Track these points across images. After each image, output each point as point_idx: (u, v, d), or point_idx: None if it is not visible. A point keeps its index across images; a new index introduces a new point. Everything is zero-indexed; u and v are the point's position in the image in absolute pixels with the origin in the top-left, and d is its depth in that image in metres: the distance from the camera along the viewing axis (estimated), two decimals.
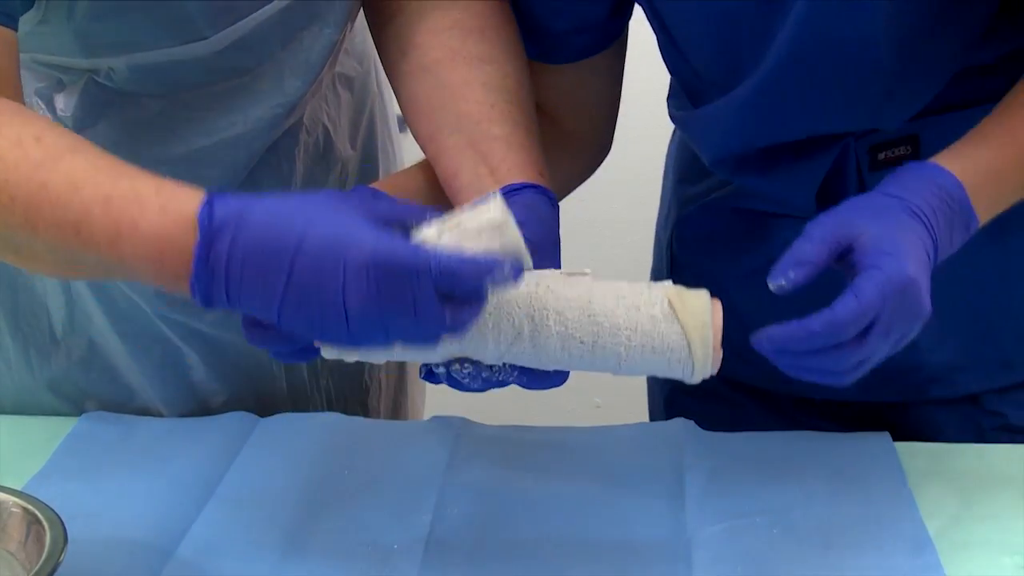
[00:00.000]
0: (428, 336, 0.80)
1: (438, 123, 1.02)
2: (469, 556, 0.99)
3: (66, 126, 1.06)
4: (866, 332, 0.87)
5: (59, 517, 0.90)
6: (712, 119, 1.10)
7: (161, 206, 0.81)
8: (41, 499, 0.92)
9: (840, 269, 0.91)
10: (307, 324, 0.79)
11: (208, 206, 0.79)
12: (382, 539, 1.01)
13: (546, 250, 0.92)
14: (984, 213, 0.96)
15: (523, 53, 1.09)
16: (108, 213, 0.82)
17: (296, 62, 1.08)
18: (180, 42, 1.00)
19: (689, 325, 0.85)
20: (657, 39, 1.13)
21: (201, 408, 1.21)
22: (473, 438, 1.15)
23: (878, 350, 0.88)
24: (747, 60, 1.04)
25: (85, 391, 1.21)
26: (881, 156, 1.10)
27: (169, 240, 0.80)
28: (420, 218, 0.83)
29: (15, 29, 0.94)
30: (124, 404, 1.21)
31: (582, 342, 0.86)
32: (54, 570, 0.85)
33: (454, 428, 1.16)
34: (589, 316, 0.86)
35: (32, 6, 0.96)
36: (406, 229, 0.83)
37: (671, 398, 1.31)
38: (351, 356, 0.86)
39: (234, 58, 1.04)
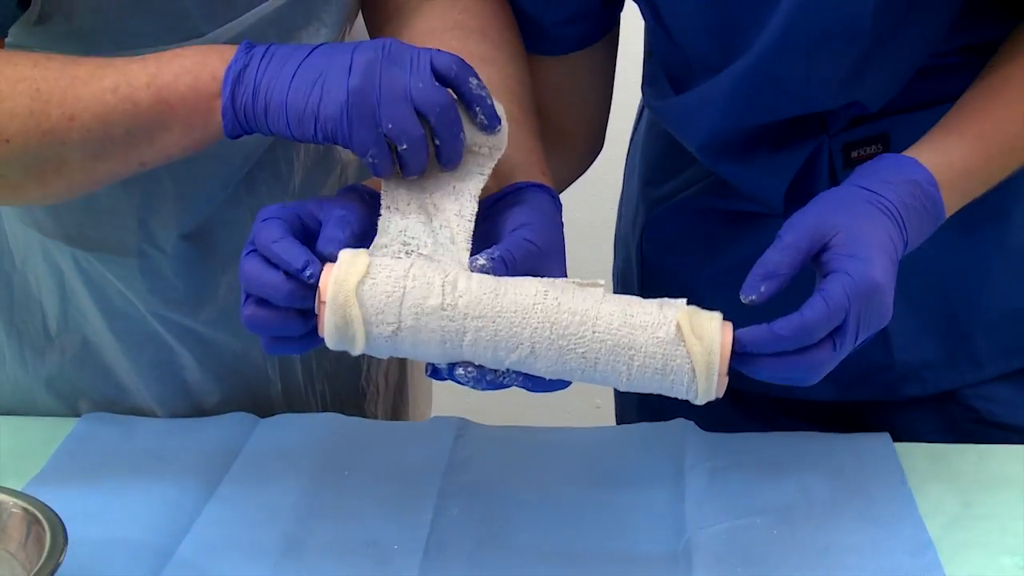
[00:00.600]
0: (424, 98, 0.87)
1: None
2: (469, 556, 0.99)
3: None
4: (832, 336, 0.87)
5: (59, 517, 0.90)
6: (701, 102, 1.10)
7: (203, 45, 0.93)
8: (41, 500, 0.92)
9: (813, 268, 0.91)
10: (311, 86, 0.87)
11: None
12: (382, 539, 1.01)
13: (551, 251, 0.91)
14: (952, 207, 0.97)
15: (524, 54, 1.09)
16: (146, 59, 0.92)
17: None
18: (178, 39, 1.00)
19: (695, 351, 0.84)
20: (646, 23, 1.13)
21: (195, 409, 1.21)
22: (473, 438, 1.15)
23: (841, 353, 0.89)
24: (740, 40, 1.05)
25: (79, 389, 1.21)
26: (854, 154, 1.11)
27: (214, 50, 0.91)
28: None
29: (3, 37, 0.97)
30: (118, 403, 1.21)
31: (584, 358, 0.85)
32: (54, 570, 0.85)
33: (454, 428, 1.16)
34: (594, 332, 0.85)
35: (24, 11, 0.97)
36: None
37: (642, 396, 1.31)
38: (355, 348, 0.86)
39: None
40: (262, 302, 0.87)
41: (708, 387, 0.85)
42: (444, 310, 0.84)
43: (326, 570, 0.98)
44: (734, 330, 0.87)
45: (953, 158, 0.98)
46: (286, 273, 0.85)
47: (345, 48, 0.89)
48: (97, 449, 1.13)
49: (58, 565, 0.86)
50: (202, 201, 1.12)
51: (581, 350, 0.85)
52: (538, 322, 0.84)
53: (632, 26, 1.20)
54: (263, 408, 1.21)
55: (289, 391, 1.24)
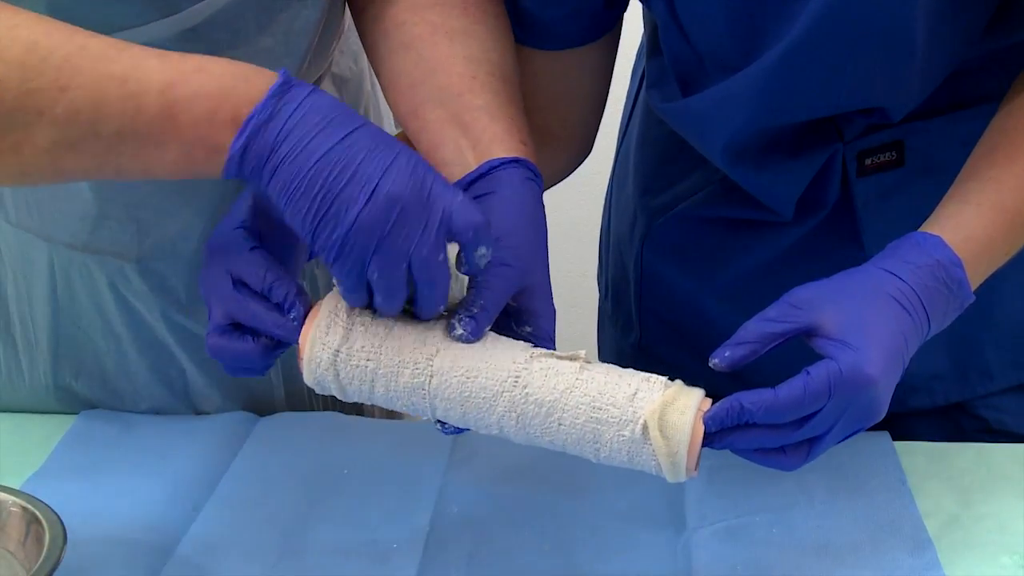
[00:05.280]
0: (421, 267, 0.81)
1: (420, 98, 1.01)
2: (468, 556, 0.99)
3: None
4: (808, 421, 0.86)
5: (58, 516, 0.90)
6: (722, 101, 1.05)
7: (229, 60, 0.83)
8: (40, 498, 0.92)
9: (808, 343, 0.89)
10: (325, 194, 0.80)
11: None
12: (382, 539, 1.01)
13: (530, 255, 0.90)
14: (976, 281, 0.94)
15: (509, 29, 1.07)
16: (166, 61, 0.82)
17: (278, 47, 1.06)
18: (155, 17, 0.98)
19: (661, 452, 0.84)
20: (658, 21, 1.09)
21: (195, 414, 1.21)
22: (473, 438, 1.14)
23: (822, 442, 0.88)
24: (764, 36, 1.01)
25: (78, 397, 1.20)
26: (868, 162, 1.09)
27: (243, 77, 0.82)
28: None
29: None
30: (118, 411, 1.20)
31: (552, 443, 0.86)
32: (54, 569, 0.86)
33: None
34: (559, 426, 0.85)
35: None
36: None
37: None
38: (328, 386, 0.87)
39: (207, 35, 1.01)
40: (231, 332, 0.87)
41: (675, 477, 0.85)
42: (414, 390, 0.86)
43: (326, 570, 0.98)
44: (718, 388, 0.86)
45: (974, 231, 0.94)
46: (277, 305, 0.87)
47: (384, 155, 0.81)
48: (96, 446, 1.13)
49: (58, 564, 0.86)
50: (202, 203, 1.12)
51: (548, 438, 0.86)
52: (504, 410, 0.85)
53: (628, 29, 1.17)
54: (264, 411, 1.21)
55: (292, 396, 1.23)
